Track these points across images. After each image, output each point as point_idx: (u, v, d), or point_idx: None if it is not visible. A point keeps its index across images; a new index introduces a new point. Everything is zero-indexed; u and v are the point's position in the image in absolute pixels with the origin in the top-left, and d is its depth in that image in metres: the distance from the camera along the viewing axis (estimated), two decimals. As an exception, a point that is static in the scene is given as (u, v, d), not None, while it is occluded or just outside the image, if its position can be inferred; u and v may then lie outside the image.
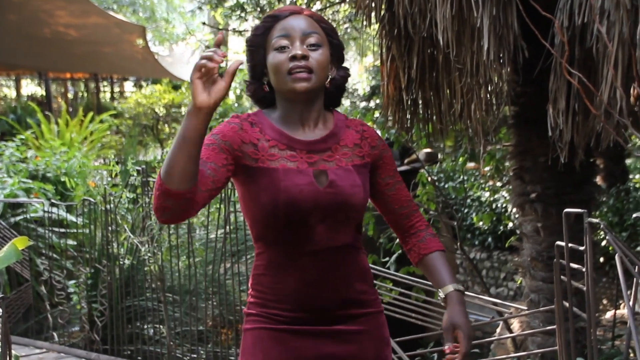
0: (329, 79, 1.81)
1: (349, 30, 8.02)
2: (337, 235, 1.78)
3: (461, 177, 8.26)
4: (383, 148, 1.89)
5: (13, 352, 2.79)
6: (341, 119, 1.87)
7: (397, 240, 5.71)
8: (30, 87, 19.35)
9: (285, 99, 1.78)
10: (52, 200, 6.10)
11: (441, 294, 1.85)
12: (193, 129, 1.50)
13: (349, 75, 1.88)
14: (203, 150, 1.67)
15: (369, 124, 7.54)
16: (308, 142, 1.78)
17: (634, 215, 6.66)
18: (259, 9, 6.79)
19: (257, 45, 1.80)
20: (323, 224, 1.75)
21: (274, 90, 1.81)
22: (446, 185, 8.84)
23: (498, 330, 5.45)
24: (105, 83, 18.68)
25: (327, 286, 1.78)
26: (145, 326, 5.15)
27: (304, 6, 6.83)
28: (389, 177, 1.90)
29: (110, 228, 4.98)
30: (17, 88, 18.12)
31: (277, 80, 1.75)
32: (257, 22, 6.91)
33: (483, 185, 8.87)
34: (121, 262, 5.08)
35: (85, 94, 18.40)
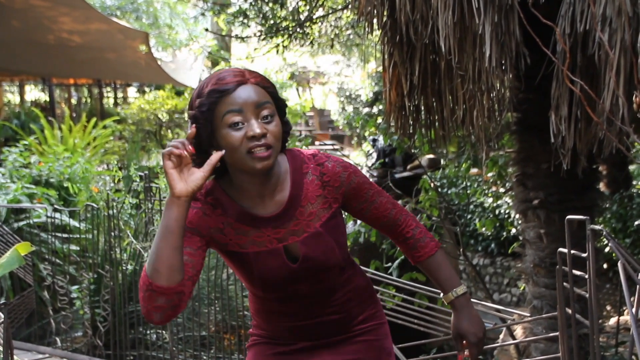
0: None
1: (351, 36, 8.03)
2: (322, 284, 1.79)
3: (464, 183, 8.26)
4: (348, 180, 1.80)
5: (16, 357, 2.80)
6: (297, 168, 1.78)
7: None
8: (34, 93, 19.41)
9: (243, 173, 1.70)
10: (55, 206, 6.11)
11: (445, 301, 1.87)
12: (175, 220, 1.51)
13: (290, 128, 1.78)
14: (186, 254, 1.66)
15: (372, 129, 7.55)
16: (271, 217, 1.73)
17: (636, 223, 6.66)
18: (261, 16, 6.81)
19: (204, 121, 1.65)
20: (305, 283, 1.77)
21: (224, 162, 1.71)
22: (449, 192, 8.83)
23: (501, 336, 5.44)
24: (108, 89, 18.72)
25: (320, 321, 1.81)
26: (148, 331, 5.15)
27: (306, 12, 6.85)
28: (361, 202, 1.84)
29: (113, 233, 4.99)
30: (21, 94, 18.16)
31: (235, 158, 1.65)
32: (259, 28, 6.95)
33: (486, 191, 8.86)
34: (124, 268, 5.08)
35: (89, 100, 18.44)
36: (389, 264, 6.13)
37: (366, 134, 11.80)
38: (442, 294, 1.89)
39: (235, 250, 1.73)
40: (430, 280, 1.93)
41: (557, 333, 3.25)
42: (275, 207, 1.74)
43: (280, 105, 1.73)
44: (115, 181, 6.84)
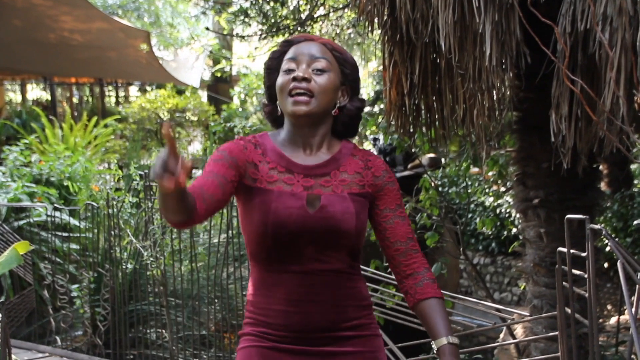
0: (336, 107, 1.83)
1: (352, 35, 8.02)
2: (327, 258, 1.78)
3: (464, 182, 8.25)
4: (388, 180, 1.87)
5: (14, 356, 2.80)
6: (348, 147, 1.88)
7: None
8: (36, 92, 19.42)
9: (290, 122, 1.82)
10: (56, 205, 6.11)
11: (434, 346, 1.79)
12: (172, 200, 1.52)
13: (364, 106, 1.90)
14: (212, 165, 1.74)
15: (373, 128, 7.55)
16: (306, 166, 1.81)
17: (635, 222, 6.65)
18: (262, 15, 6.80)
19: (273, 69, 1.86)
20: (312, 246, 1.76)
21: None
22: (449, 191, 8.83)
23: (501, 335, 5.44)
24: (110, 88, 18.73)
25: (315, 308, 1.78)
26: (148, 330, 5.15)
27: (307, 11, 6.86)
28: (388, 209, 1.85)
29: (113, 232, 4.99)
30: (23, 93, 18.18)
31: (281, 101, 1.80)
32: (260, 27, 6.95)
33: (486, 191, 8.85)
34: (124, 267, 5.08)
35: (90, 99, 18.44)
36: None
37: (367, 133, 11.79)
38: (434, 339, 1.79)
39: (262, 187, 1.77)
40: (424, 322, 1.82)
41: (557, 332, 3.24)
42: (314, 161, 1.82)
43: (347, 75, 1.85)
44: (116, 180, 6.82)
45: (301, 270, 1.77)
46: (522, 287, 7.15)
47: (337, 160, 1.84)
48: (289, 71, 1.79)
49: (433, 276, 1.87)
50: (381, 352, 1.89)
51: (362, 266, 1.98)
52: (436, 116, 3.97)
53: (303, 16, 6.84)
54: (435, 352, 1.81)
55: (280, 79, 1.80)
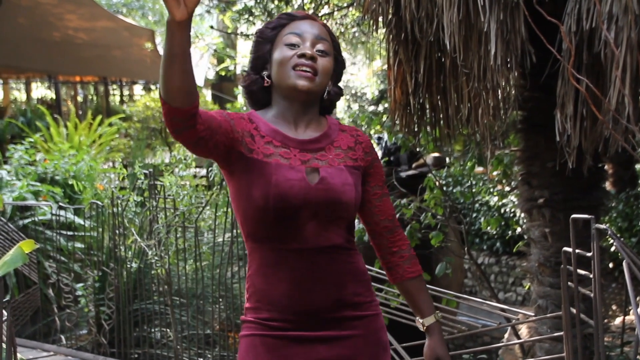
0: (326, 91, 1.84)
1: (357, 34, 8.02)
2: (327, 234, 1.77)
3: (469, 181, 8.24)
4: (375, 157, 1.91)
5: (20, 355, 2.80)
6: (335, 123, 1.89)
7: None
8: (40, 90, 19.44)
9: (283, 97, 1.80)
10: (60, 203, 6.12)
11: (421, 323, 1.90)
12: (179, 44, 1.46)
13: (342, 94, 1.92)
14: (214, 114, 1.69)
15: (377, 128, 7.55)
16: (302, 140, 1.80)
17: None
18: (266, 13, 6.80)
19: (266, 39, 1.83)
20: (313, 221, 1.75)
21: (271, 87, 1.83)
22: (454, 190, 8.82)
23: (506, 335, 5.43)
24: (114, 86, 18.74)
25: (317, 286, 1.77)
26: (153, 329, 5.15)
27: (312, 10, 6.85)
28: (378, 186, 1.90)
29: (117, 231, 4.99)
30: (27, 91, 18.21)
31: (280, 73, 1.77)
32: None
33: (491, 190, 8.84)
34: (129, 266, 5.09)
35: (95, 97, 18.46)
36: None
37: (371, 132, 11.78)
38: (419, 317, 1.91)
39: (259, 159, 1.75)
40: (410, 300, 1.92)
41: (562, 333, 3.23)
42: (307, 136, 1.82)
43: (338, 60, 1.87)
44: (120, 179, 6.84)
45: (301, 248, 1.76)
46: (527, 287, 7.14)
47: (329, 135, 1.85)
48: (292, 45, 1.77)
49: (414, 252, 1.96)
50: (383, 332, 1.90)
51: (367, 266, 1.98)
52: (441, 115, 3.96)
53: (307, 15, 6.83)
54: (423, 328, 1.90)
55: (282, 52, 1.77)
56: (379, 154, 10.71)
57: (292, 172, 1.74)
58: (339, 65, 1.88)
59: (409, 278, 1.90)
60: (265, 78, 1.82)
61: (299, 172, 1.75)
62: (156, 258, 4.63)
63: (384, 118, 6.81)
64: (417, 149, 6.19)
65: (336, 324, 1.79)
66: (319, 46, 1.79)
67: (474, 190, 8.24)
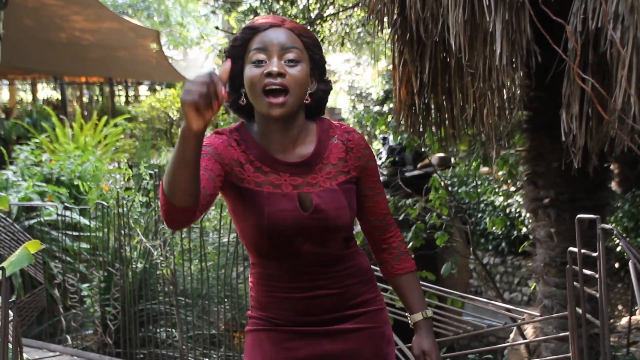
0: (307, 94, 1.75)
1: (362, 34, 8.02)
2: (325, 250, 1.78)
3: (474, 181, 8.23)
4: (368, 158, 1.84)
5: (26, 355, 2.81)
6: (324, 130, 1.82)
7: (410, 244, 5.70)
8: (46, 91, 19.49)
9: (263, 117, 1.73)
10: (66, 204, 6.14)
11: (410, 320, 1.90)
12: (192, 152, 1.43)
13: (330, 88, 1.83)
14: (202, 167, 1.64)
15: (382, 128, 7.55)
16: (291, 163, 1.75)
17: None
18: (272, 14, 6.80)
19: (236, 57, 1.73)
20: (309, 242, 1.75)
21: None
22: (459, 190, 8.80)
23: (512, 336, 5.42)
24: (120, 87, 18.77)
25: (318, 292, 1.79)
26: (158, 330, 5.16)
27: (316, 11, 6.85)
28: (368, 188, 1.86)
29: (123, 232, 5.00)
30: (33, 92, 18.25)
31: (252, 96, 1.69)
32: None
33: (496, 190, 8.82)
34: (134, 266, 5.10)
35: (100, 98, 18.50)
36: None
37: (376, 132, 11.77)
38: (410, 313, 1.91)
39: (251, 188, 1.72)
40: (399, 295, 1.93)
41: (567, 333, 3.23)
42: (297, 158, 1.76)
43: (316, 59, 1.77)
44: (126, 179, 6.85)
45: (300, 263, 1.77)
46: (533, 287, 7.13)
47: (319, 152, 1.78)
48: (258, 63, 1.67)
49: (407, 248, 1.94)
50: (387, 326, 1.92)
51: (372, 266, 1.99)
52: (446, 115, 3.96)
53: (312, 15, 6.84)
54: (412, 325, 1.92)
55: (250, 71, 1.68)
56: (383, 154, 10.71)
57: (285, 202, 1.71)
58: (318, 62, 1.78)
59: (397, 274, 1.90)
60: (243, 97, 1.75)
61: (291, 201, 1.72)
62: (161, 258, 4.64)
63: (389, 118, 6.81)
64: (422, 149, 6.19)
65: (341, 320, 1.82)
66: (288, 55, 1.68)
67: (479, 190, 8.22)
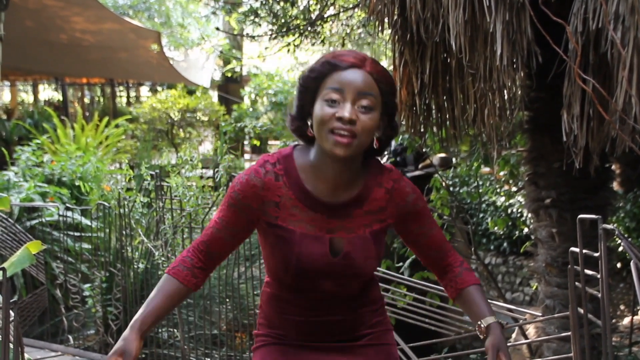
0: (374, 139, 1.72)
1: (362, 35, 8.02)
2: (345, 289, 1.80)
3: (476, 182, 8.23)
4: (415, 204, 1.82)
5: (28, 355, 2.81)
6: (373, 174, 1.79)
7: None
8: (47, 92, 19.54)
9: (324, 154, 1.70)
10: (67, 204, 6.14)
11: (482, 324, 1.81)
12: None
13: (396, 133, 1.80)
14: (224, 209, 1.73)
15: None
16: (331, 205, 1.74)
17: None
18: (272, 15, 6.80)
19: (309, 88, 1.70)
20: (331, 282, 1.76)
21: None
22: (460, 190, 8.80)
23: (513, 335, 5.42)
24: (121, 88, 18.81)
25: (332, 320, 1.82)
26: (160, 330, 5.16)
27: (317, 12, 6.84)
28: (420, 227, 1.85)
29: (124, 232, 5.01)
30: (35, 93, 18.29)
31: (319, 133, 1.67)
32: (270, 27, 6.94)
33: (498, 190, 8.82)
34: (135, 266, 5.10)
35: (101, 99, 18.53)
36: (400, 263, 6.12)
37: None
38: (482, 318, 1.82)
39: (284, 226, 1.72)
40: (467, 308, 1.87)
41: (569, 333, 3.23)
42: (339, 199, 1.74)
43: (389, 105, 1.72)
44: (127, 180, 6.86)
45: (318, 297, 1.79)
46: (534, 287, 7.13)
47: (361, 197, 1.76)
48: (332, 102, 1.64)
49: (468, 264, 1.92)
50: (393, 347, 1.93)
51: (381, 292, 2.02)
52: (447, 116, 3.95)
53: (313, 16, 6.84)
54: (482, 335, 1.82)
55: (322, 109, 1.64)
56: (385, 154, 10.71)
57: (316, 245, 1.72)
58: (390, 109, 1.73)
59: (461, 289, 1.88)
60: (309, 128, 1.72)
61: (323, 245, 1.72)
62: (163, 259, 4.64)
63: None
64: (424, 150, 6.18)
65: (348, 341, 1.85)
66: (362, 102, 1.64)
67: (480, 190, 8.22)
